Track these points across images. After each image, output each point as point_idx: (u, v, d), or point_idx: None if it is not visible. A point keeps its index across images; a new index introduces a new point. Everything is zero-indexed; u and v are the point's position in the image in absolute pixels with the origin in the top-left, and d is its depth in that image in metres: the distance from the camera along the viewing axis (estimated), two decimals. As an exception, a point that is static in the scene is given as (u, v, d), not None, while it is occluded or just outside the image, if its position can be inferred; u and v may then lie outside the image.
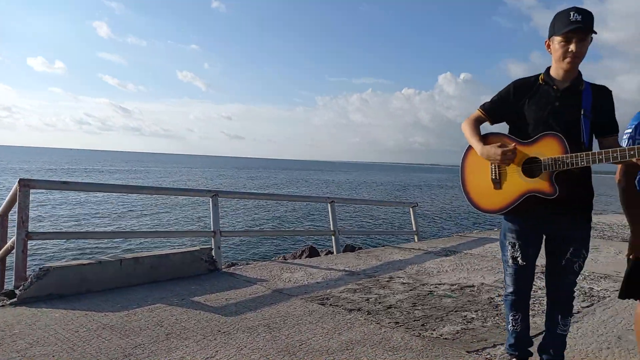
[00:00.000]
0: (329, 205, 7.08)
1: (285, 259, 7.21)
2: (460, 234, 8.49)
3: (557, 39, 2.06)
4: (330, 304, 3.68)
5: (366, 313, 3.48)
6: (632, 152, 1.82)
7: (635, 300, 2.24)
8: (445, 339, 2.99)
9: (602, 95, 2.13)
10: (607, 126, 2.13)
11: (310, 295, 3.95)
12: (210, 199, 5.37)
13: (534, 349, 2.61)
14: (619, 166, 2.21)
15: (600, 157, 1.91)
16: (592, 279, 4.73)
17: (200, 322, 3.16)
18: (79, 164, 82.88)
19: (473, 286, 4.37)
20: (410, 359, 2.64)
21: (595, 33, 2.05)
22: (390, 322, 3.28)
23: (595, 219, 10.57)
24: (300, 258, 7.39)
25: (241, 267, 5.33)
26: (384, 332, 3.08)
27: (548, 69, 2.19)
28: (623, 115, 2.22)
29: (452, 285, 4.40)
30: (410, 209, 8.61)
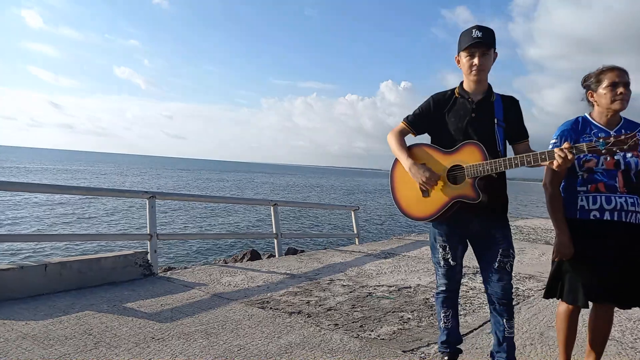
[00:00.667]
0: (272, 208, 7.04)
1: (226, 263, 7.07)
2: (399, 236, 8.74)
3: (463, 54, 2.26)
4: (271, 308, 3.65)
5: (306, 316, 3.49)
6: (543, 156, 1.99)
7: (558, 299, 2.42)
8: (383, 339, 3.06)
9: (512, 105, 2.33)
10: (518, 133, 2.33)
11: (250, 299, 3.90)
12: (147, 201, 5.15)
13: (463, 346, 2.75)
14: (545, 174, 2.39)
15: (517, 161, 2.07)
16: (518, 280, 5.04)
17: (133, 329, 3.01)
18: (2, 162, 76.62)
19: (410, 287, 4.52)
20: (348, 360, 2.68)
21: (495, 48, 2.26)
22: (329, 324, 3.30)
23: (521, 223, 11.30)
24: (241, 261, 7.28)
25: (179, 271, 5.16)
26: (323, 334, 3.10)
27: (461, 83, 2.37)
28: (548, 126, 2.41)
29: (391, 286, 4.52)
30: (352, 212, 8.75)
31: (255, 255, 7.85)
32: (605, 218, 2.22)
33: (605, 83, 2.24)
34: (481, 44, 2.20)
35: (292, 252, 8.36)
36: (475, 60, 2.22)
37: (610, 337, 3.19)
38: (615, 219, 2.20)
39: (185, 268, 5.42)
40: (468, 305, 3.95)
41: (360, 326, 3.30)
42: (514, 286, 4.69)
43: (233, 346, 2.81)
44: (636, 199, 2.23)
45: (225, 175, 79.21)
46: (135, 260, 4.46)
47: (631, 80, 2.26)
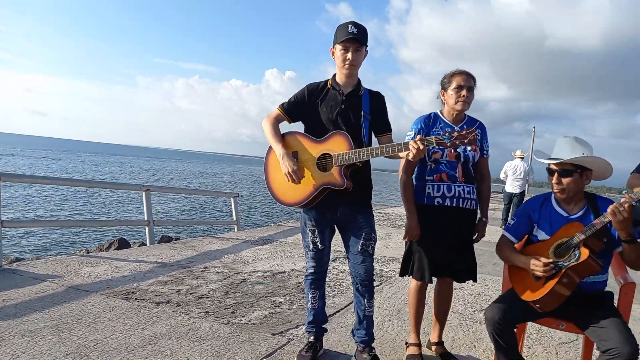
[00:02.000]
0: (143, 193, 6.60)
1: (89, 252, 6.47)
2: (277, 223, 8.86)
3: (338, 47, 2.37)
4: (136, 299, 3.44)
5: (175, 305, 3.36)
6: (400, 147, 2.17)
7: (409, 276, 2.67)
8: (253, 324, 3.08)
9: (377, 100, 2.50)
10: (381, 126, 2.50)
11: (113, 290, 3.62)
12: (-11, 183, 4.46)
13: (329, 325, 2.89)
14: (401, 163, 2.61)
15: (378, 151, 2.22)
16: (384, 262, 5.47)
17: (-37, 330, 2.60)
18: None
19: (284, 272, 4.61)
20: (216, 347, 2.64)
21: (367, 46, 2.41)
22: (200, 312, 3.23)
23: (390, 210, 12.23)
24: (107, 251, 6.73)
25: (28, 262, 4.59)
26: (192, 322, 3.01)
27: (334, 75, 2.49)
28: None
29: (265, 272, 4.57)
30: (232, 199, 8.63)
31: (123, 244, 7.33)
32: (446, 204, 2.51)
33: (453, 85, 2.51)
34: (355, 39, 2.32)
35: (166, 240, 7.97)
36: (349, 55, 2.34)
37: (454, 310, 3.65)
38: (454, 205, 2.51)
39: (37, 259, 4.83)
40: (337, 287, 4.17)
41: (232, 312, 3.28)
42: (379, 268, 5.08)
43: (89, 341, 2.59)
44: (472, 187, 2.57)
45: (95, 158, 72.08)
46: (-30, 251, 3.85)
47: (476, 85, 2.57)
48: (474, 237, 2.64)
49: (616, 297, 2.22)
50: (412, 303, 2.70)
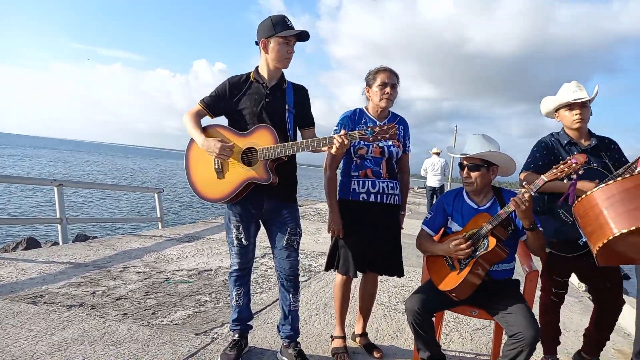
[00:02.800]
0: (55, 189, 6.10)
1: (-9, 254, 5.86)
2: (205, 220, 8.60)
3: (278, 40, 2.29)
4: (45, 302, 3.17)
5: (89, 308, 3.14)
6: (324, 142, 2.18)
7: (334, 271, 2.70)
8: (176, 324, 2.96)
9: (301, 93, 2.49)
10: (305, 120, 2.50)
11: (17, 294, 3.31)
12: None
13: (255, 322, 2.86)
14: (326, 158, 2.63)
15: (303, 146, 2.22)
16: (312, 257, 5.51)
17: None
18: None
19: (211, 270, 4.49)
20: (134, 350, 2.50)
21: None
22: (117, 315, 3.04)
23: (320, 205, 12.36)
24: (13, 251, 6.15)
25: None
26: (108, 326, 2.83)
27: (257, 68, 2.42)
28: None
29: (190, 270, 4.41)
30: (156, 195, 8.25)
31: (32, 244, 6.74)
32: (370, 200, 2.57)
33: (377, 82, 2.57)
34: (302, 38, 2.30)
35: (82, 238, 7.45)
36: (291, 50, 2.31)
37: (379, 302, 3.77)
38: (378, 200, 2.58)
39: None
40: (266, 283, 4.13)
41: (153, 313, 3.13)
42: (308, 263, 5.11)
43: (-14, 351, 2.34)
44: (395, 183, 2.65)
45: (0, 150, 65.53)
46: None
47: (399, 83, 2.65)
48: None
49: (522, 285, 2.41)
50: (337, 297, 2.74)
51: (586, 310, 2.58)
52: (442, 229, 2.47)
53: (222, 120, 2.46)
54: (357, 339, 2.86)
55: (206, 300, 3.52)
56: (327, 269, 2.74)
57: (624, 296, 2.52)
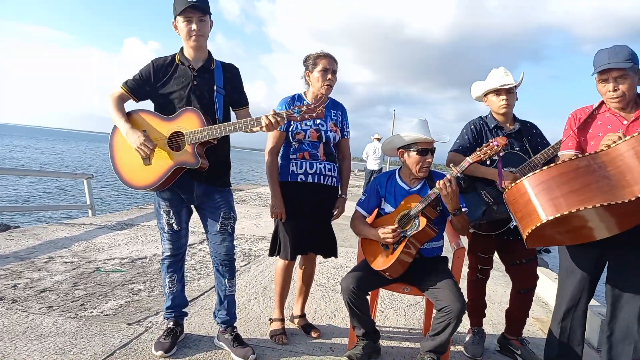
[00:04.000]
0: (-32, 175, 5.57)
1: None
2: (140, 206, 8.26)
3: (180, 18, 2.21)
4: (-43, 298, 2.92)
5: (10, 302, 2.93)
6: (252, 122, 2.15)
7: (276, 256, 2.70)
8: (107, 315, 2.84)
9: (231, 72, 2.41)
10: (238, 100, 2.44)
11: None
12: None
13: (192, 309, 2.81)
14: (267, 144, 2.60)
15: (231, 127, 2.17)
16: (252, 241, 5.48)
17: None
18: None
19: (145, 257, 4.33)
20: (60, 344, 2.37)
21: (211, 14, 2.27)
22: (41, 308, 2.86)
23: (261, 190, 12.28)
24: None
25: None
26: (32, 320, 2.66)
27: (181, 49, 2.33)
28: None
29: (123, 259, 4.23)
30: (85, 181, 7.78)
31: (-57, 236, 6.13)
32: (308, 180, 2.59)
33: (319, 67, 2.55)
34: (197, 8, 2.17)
35: (2, 228, 6.90)
36: (194, 26, 2.19)
37: (317, 283, 3.83)
38: (315, 181, 2.60)
39: None
40: (204, 269, 4.06)
41: (81, 305, 2.98)
42: (249, 247, 5.08)
43: None
44: (333, 166, 2.68)
45: None
46: None
47: (339, 69, 2.65)
48: (334, 213, 2.76)
49: (451, 261, 2.55)
50: (278, 281, 2.75)
51: (510, 283, 2.77)
52: (376, 210, 2.54)
53: (149, 105, 2.35)
54: (296, 320, 2.90)
55: (140, 289, 3.40)
56: (270, 254, 2.73)
57: (543, 268, 2.74)
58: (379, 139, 11.55)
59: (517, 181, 1.87)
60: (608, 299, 2.12)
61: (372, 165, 11.53)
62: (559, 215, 1.71)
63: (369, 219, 2.52)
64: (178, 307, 2.50)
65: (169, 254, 2.42)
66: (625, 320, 2.04)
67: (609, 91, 2.02)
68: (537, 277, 2.69)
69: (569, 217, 1.72)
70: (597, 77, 2.05)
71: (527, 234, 1.83)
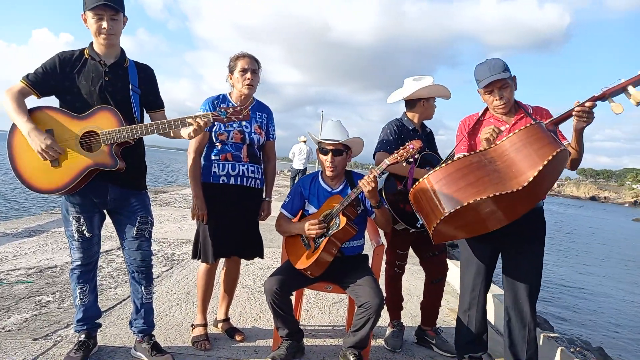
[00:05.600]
0: None
1: None
2: (51, 211, 7.64)
3: (89, 14, 2.09)
4: None
5: None
6: (176, 123, 2.10)
7: (199, 259, 2.63)
8: (9, 331, 2.60)
9: (145, 73, 2.33)
10: (154, 102, 2.36)
11: None
12: None
13: (107, 319, 2.65)
14: (190, 144, 2.54)
15: (153, 128, 2.10)
16: (176, 245, 5.29)
17: None
18: None
19: (56, 267, 4.02)
20: (-49, 367, 2.14)
21: (124, 11, 2.16)
22: None
23: (186, 192, 11.88)
24: None
25: None
26: None
27: (91, 44, 2.21)
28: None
29: (30, 269, 3.90)
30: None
31: None
32: (230, 182, 2.56)
33: (238, 68, 2.53)
34: (108, 6, 2.06)
35: None
36: (104, 24, 2.08)
37: (243, 285, 3.79)
38: (238, 183, 2.57)
39: None
40: (121, 276, 3.85)
41: (-22, 322, 2.70)
42: (172, 252, 4.90)
43: None
44: (257, 167, 2.66)
45: None
46: None
47: (261, 67, 2.64)
48: (261, 216, 2.75)
49: (371, 259, 2.64)
50: (200, 285, 2.68)
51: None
52: (300, 212, 2.57)
53: (53, 101, 2.18)
54: (219, 325, 2.85)
55: (49, 301, 3.15)
56: (193, 257, 2.66)
57: (456, 261, 2.95)
58: (304, 141, 12.53)
59: (419, 180, 1.99)
60: (505, 286, 2.34)
61: (298, 164, 12.43)
62: (459, 207, 1.84)
63: (294, 221, 2.54)
64: (90, 318, 2.35)
65: (79, 263, 2.25)
66: (520, 304, 2.25)
67: (496, 100, 2.25)
68: (447, 268, 2.92)
69: (467, 208, 1.85)
70: (482, 90, 2.27)
71: (432, 230, 1.96)
